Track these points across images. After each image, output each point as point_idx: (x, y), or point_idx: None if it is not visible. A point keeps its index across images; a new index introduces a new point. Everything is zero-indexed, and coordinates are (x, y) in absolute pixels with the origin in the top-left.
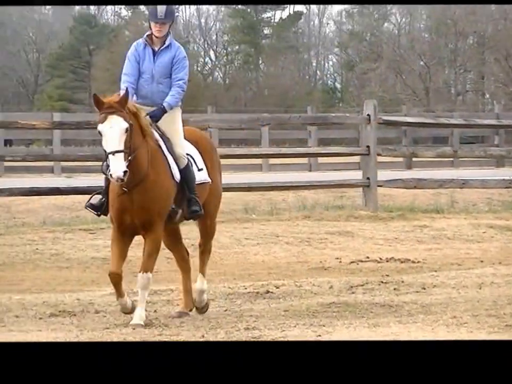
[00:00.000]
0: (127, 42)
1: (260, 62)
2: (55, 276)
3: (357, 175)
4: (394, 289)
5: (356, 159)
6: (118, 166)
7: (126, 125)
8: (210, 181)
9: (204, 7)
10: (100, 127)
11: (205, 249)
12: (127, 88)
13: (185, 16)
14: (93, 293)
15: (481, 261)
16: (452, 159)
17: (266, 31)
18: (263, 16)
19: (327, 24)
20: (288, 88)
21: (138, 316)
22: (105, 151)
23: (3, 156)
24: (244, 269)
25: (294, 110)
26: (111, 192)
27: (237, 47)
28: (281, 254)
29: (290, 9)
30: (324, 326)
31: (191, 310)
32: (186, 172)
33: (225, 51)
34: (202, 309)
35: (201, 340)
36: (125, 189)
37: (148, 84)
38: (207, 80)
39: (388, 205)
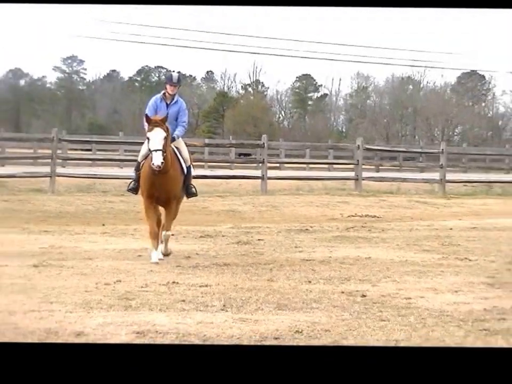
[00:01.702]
0: (242, 106)
1: None
2: (202, 218)
3: None
4: None
5: None
6: (158, 158)
7: (165, 134)
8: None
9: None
10: (149, 134)
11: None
12: (167, 114)
13: None
14: (220, 227)
15: None
16: None
17: None
18: None
19: None
20: None
21: (156, 255)
22: (149, 149)
23: None
24: None
25: None
26: (142, 174)
27: None
28: None
29: None
30: None
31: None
32: (188, 170)
33: None
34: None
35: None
36: (153, 175)
37: None
38: None
39: None
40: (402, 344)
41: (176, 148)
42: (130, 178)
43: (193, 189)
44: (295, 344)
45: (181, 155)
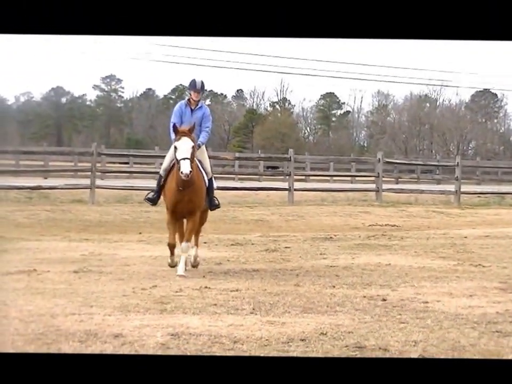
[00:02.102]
0: (270, 122)
1: None
2: (233, 228)
3: None
4: None
5: None
6: (186, 167)
7: (192, 143)
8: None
9: None
10: (176, 143)
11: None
12: (194, 123)
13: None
14: (249, 235)
15: None
16: None
17: None
18: None
19: None
20: None
21: (181, 268)
22: (177, 158)
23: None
24: None
25: None
26: (168, 190)
27: None
28: None
29: None
30: None
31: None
32: (210, 182)
33: None
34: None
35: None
36: (181, 188)
37: None
38: None
39: None
40: (420, 345)
41: (199, 160)
42: None
43: (216, 201)
44: (319, 345)
45: (203, 168)
